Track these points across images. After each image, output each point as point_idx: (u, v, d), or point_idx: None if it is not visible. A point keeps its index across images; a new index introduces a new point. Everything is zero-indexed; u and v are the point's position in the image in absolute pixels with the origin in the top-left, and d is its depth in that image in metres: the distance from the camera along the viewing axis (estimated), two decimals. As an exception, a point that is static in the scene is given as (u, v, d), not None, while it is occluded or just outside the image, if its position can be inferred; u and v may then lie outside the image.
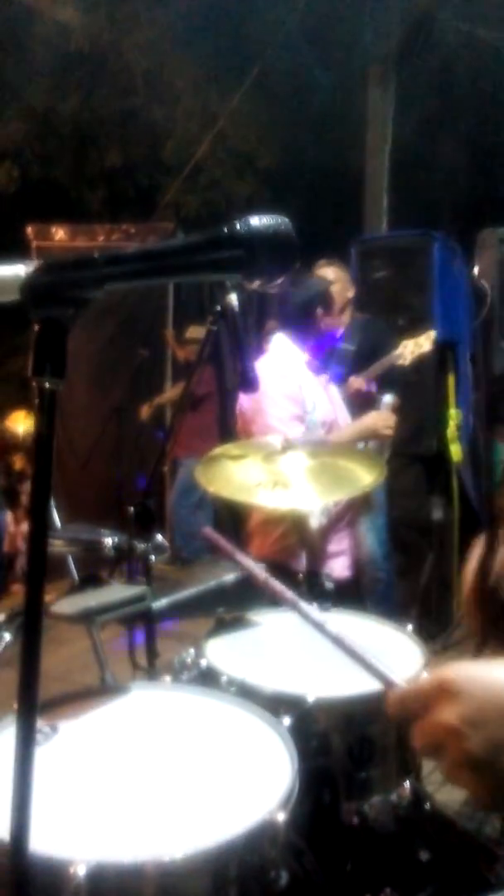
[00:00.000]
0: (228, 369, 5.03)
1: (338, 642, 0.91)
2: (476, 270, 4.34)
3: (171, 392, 5.92)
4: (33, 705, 0.74)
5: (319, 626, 0.95)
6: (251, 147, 9.71)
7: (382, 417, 2.71)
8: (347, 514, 2.62)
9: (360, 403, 3.10)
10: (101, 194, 10.35)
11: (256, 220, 0.63)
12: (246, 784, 1.09)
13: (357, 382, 3.25)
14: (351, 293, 3.63)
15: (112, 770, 1.13)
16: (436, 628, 3.89)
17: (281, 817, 0.99)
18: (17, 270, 0.71)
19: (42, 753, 1.15)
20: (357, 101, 6.84)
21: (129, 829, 0.98)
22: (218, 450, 2.43)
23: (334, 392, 2.81)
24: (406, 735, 1.46)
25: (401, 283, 4.04)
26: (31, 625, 0.74)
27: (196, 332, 5.35)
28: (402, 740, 1.44)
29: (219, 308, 1.88)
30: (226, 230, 0.63)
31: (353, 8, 6.52)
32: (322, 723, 1.33)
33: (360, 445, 2.72)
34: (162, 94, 9.50)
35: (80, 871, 0.87)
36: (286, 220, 0.63)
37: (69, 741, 1.20)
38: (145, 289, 5.30)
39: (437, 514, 4.26)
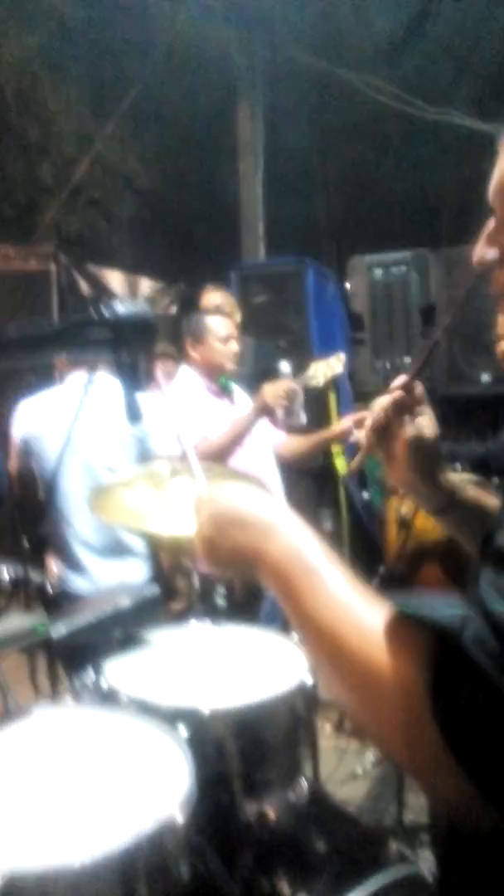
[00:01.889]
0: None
1: None
2: (349, 293, 4.63)
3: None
4: None
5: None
6: (130, 168, 9.80)
7: (271, 391, 2.68)
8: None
9: None
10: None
11: (121, 307, 0.75)
12: (147, 791, 1.18)
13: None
14: (239, 317, 3.81)
15: (21, 786, 1.20)
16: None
17: (180, 818, 1.10)
18: None
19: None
20: (230, 129, 7.08)
21: (41, 839, 1.06)
22: (114, 477, 2.52)
23: (236, 412, 2.94)
24: (297, 737, 1.59)
25: (278, 307, 4.26)
26: None
27: None
28: (293, 742, 1.57)
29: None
30: (95, 317, 0.75)
31: (221, 38, 6.76)
32: (217, 732, 1.44)
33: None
34: (35, 113, 9.44)
35: (-4, 885, 0.94)
36: (146, 306, 0.77)
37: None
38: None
39: (327, 524, 4.50)
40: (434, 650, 0.64)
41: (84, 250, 8.60)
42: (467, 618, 0.63)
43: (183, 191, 9.17)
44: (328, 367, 3.29)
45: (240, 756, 1.45)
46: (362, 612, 0.72)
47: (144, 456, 2.72)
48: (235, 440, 2.71)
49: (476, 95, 7.06)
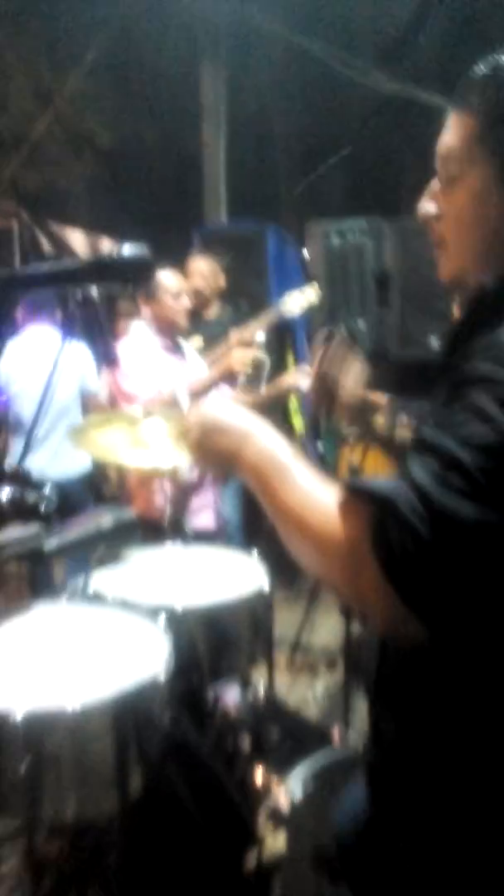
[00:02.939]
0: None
1: None
2: (307, 258, 4.80)
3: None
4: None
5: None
6: (89, 126, 9.72)
7: (240, 357, 2.83)
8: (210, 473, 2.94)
9: None
10: None
11: (127, 250, 1.00)
12: (135, 659, 1.43)
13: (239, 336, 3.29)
14: (222, 281, 3.98)
15: (32, 654, 1.44)
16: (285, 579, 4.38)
17: (161, 676, 1.35)
18: None
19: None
20: (193, 92, 7.14)
21: (51, 690, 1.30)
22: (88, 418, 2.87)
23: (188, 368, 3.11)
24: (255, 635, 1.85)
25: (239, 270, 4.42)
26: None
27: None
28: (253, 637, 1.83)
29: (80, 296, 2.16)
30: (108, 257, 1.02)
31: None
32: (189, 625, 1.69)
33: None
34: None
35: (18, 716, 1.18)
36: (145, 247, 1.01)
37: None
38: None
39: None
40: (375, 512, 0.85)
41: (45, 209, 8.60)
42: (399, 487, 0.86)
43: (145, 152, 9.19)
44: (304, 297, 3.40)
45: (207, 646, 1.71)
46: (322, 495, 0.93)
47: (84, 393, 3.44)
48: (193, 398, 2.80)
49: (433, 67, 7.25)
